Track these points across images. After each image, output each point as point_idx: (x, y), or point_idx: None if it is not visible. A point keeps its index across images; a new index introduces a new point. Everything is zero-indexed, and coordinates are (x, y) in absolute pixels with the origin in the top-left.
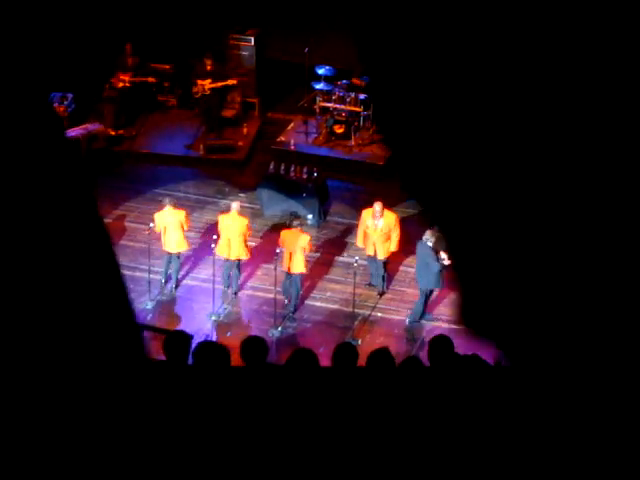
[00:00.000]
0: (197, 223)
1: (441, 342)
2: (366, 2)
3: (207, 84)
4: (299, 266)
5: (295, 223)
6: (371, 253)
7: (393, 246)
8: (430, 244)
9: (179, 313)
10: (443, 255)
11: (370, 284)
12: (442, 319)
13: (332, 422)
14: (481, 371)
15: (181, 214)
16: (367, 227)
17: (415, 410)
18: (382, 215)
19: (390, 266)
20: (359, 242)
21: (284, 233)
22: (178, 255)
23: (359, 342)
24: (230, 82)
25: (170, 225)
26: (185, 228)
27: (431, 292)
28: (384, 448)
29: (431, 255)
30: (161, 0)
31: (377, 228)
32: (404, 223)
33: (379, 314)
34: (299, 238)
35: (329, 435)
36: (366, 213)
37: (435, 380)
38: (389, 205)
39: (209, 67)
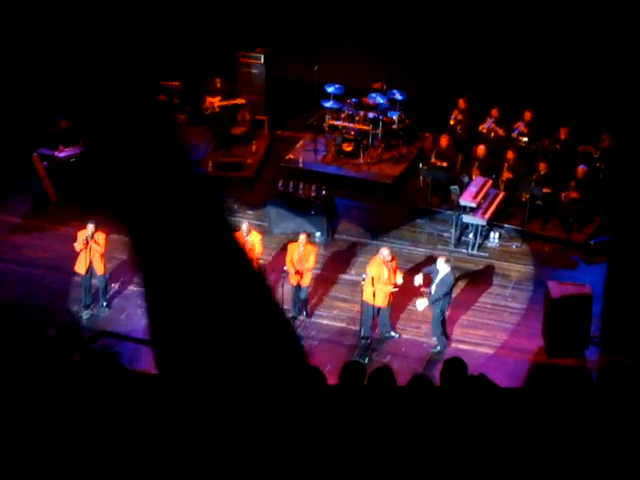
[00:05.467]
0: None
1: (455, 364)
2: None
3: (216, 102)
4: (308, 279)
5: (302, 237)
6: (370, 300)
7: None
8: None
9: None
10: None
11: (365, 337)
12: (452, 339)
13: (339, 441)
14: (488, 391)
15: None
16: (375, 277)
17: (422, 428)
18: (392, 259)
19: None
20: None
21: (291, 246)
22: None
23: (366, 360)
24: (239, 101)
25: None
26: None
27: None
28: (390, 467)
29: (454, 279)
30: (171, 18)
31: (385, 277)
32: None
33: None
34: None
35: (335, 454)
36: (375, 265)
37: (443, 399)
38: (401, 225)
39: (219, 85)
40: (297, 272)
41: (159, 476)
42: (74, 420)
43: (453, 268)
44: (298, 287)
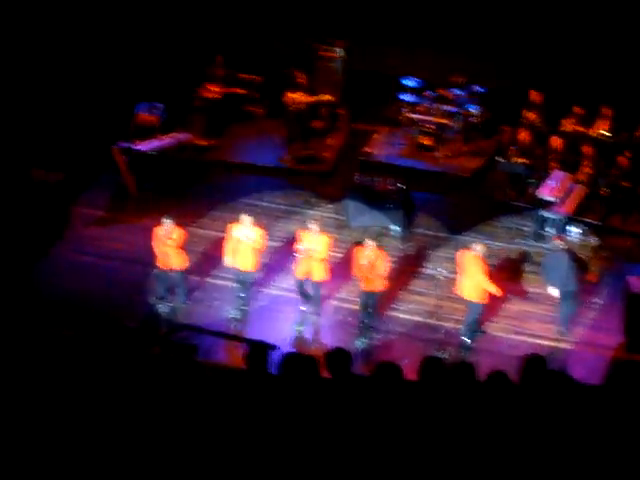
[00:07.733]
0: (282, 233)
1: (535, 361)
2: None
3: (301, 97)
4: (380, 284)
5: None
6: (475, 297)
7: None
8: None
9: (264, 323)
10: None
11: (480, 331)
12: (531, 334)
13: (414, 433)
14: (568, 388)
15: (258, 232)
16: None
17: (499, 425)
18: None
19: None
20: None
21: (358, 251)
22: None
23: (446, 355)
24: (326, 98)
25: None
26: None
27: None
28: (471, 461)
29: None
30: (250, 12)
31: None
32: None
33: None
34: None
35: (412, 447)
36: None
37: (522, 396)
38: (480, 219)
39: (302, 80)
40: (367, 278)
41: (235, 464)
42: (152, 412)
43: (561, 250)
44: (370, 293)
